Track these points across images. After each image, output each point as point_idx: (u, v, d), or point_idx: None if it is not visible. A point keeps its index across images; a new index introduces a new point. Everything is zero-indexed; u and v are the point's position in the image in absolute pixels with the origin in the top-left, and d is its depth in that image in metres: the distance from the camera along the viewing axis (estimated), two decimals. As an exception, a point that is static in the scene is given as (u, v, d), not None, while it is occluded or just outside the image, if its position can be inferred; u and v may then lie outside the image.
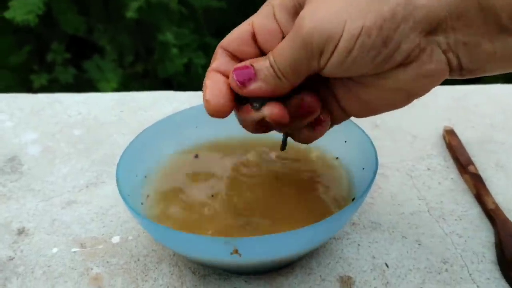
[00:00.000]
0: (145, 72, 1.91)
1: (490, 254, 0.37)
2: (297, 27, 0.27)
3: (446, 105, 0.55)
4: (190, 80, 1.75)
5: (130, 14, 1.60)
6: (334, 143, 0.40)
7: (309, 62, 0.27)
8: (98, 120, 0.54)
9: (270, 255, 0.32)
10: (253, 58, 0.30)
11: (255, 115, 0.29)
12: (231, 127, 0.35)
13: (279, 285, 0.35)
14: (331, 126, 0.32)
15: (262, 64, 0.28)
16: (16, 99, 0.58)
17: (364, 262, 0.36)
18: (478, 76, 0.28)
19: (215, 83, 0.29)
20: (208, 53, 1.73)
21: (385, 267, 0.36)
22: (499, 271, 0.35)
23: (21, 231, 0.40)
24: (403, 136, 0.50)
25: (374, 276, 0.35)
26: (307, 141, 0.32)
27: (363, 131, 0.38)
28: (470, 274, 0.35)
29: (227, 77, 0.29)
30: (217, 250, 0.30)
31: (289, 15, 0.29)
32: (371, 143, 0.37)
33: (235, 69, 0.29)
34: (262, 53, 0.30)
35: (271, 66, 0.28)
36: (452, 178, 0.44)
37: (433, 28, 0.26)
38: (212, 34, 1.77)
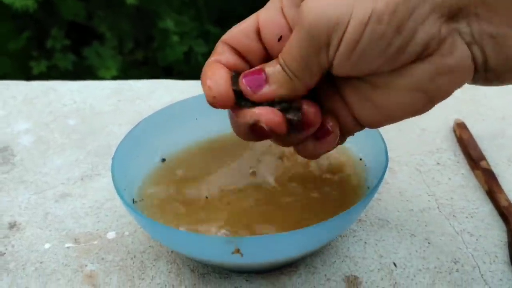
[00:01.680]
0: (145, 59, 1.89)
1: (502, 254, 0.35)
2: (300, 18, 0.24)
3: (455, 96, 0.52)
4: (191, 68, 1.73)
5: (130, 0, 1.58)
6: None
7: (318, 55, 0.25)
8: (93, 110, 0.52)
9: (274, 255, 0.30)
10: (255, 53, 0.28)
11: (248, 116, 0.26)
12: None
13: (282, 285, 0.33)
14: (343, 138, 0.29)
15: (272, 68, 0.26)
16: (9, 87, 0.56)
17: (371, 261, 0.35)
18: (505, 84, 0.26)
19: (217, 72, 0.27)
20: (209, 41, 1.70)
21: (393, 267, 0.34)
22: (512, 272, 0.34)
23: (12, 225, 0.39)
24: (411, 128, 0.48)
25: (381, 276, 0.34)
26: (313, 156, 0.29)
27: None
28: (482, 275, 0.34)
29: (229, 68, 0.28)
30: (218, 249, 0.29)
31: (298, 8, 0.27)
32: (381, 136, 0.35)
33: (245, 75, 0.27)
34: (265, 49, 0.28)
35: (282, 67, 0.26)
36: (462, 174, 0.42)
37: (454, 13, 0.23)
38: (213, 22, 1.74)
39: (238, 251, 0.28)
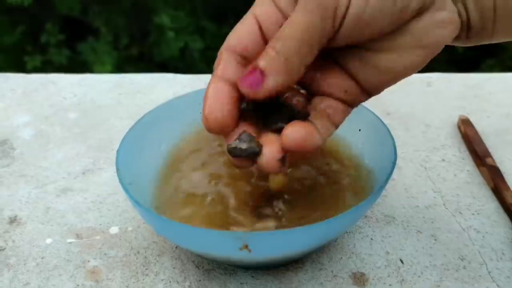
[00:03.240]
0: (141, 55, 1.88)
1: (509, 251, 0.35)
2: None
3: (459, 93, 0.52)
4: (186, 65, 1.72)
5: (126, -5, 1.56)
6: (347, 131, 0.37)
7: (323, 27, 0.24)
8: (94, 103, 0.52)
9: (282, 251, 0.30)
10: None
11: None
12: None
13: (288, 281, 0.33)
14: (350, 110, 0.29)
15: (267, 58, 0.25)
16: (8, 80, 0.55)
17: (378, 257, 0.34)
18: (484, 42, 0.28)
19: (217, 95, 0.26)
20: (205, 37, 1.69)
21: (400, 264, 0.34)
22: (519, 269, 0.33)
23: (13, 220, 0.38)
24: (416, 125, 0.48)
25: (388, 273, 0.33)
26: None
27: (380, 119, 0.36)
28: (489, 272, 0.33)
29: (234, 85, 0.26)
30: (225, 245, 0.28)
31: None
32: (389, 132, 0.34)
33: (241, 80, 0.25)
34: None
35: (277, 53, 0.25)
36: (468, 170, 0.42)
37: None
38: (209, 18, 1.73)
39: (246, 246, 0.28)
